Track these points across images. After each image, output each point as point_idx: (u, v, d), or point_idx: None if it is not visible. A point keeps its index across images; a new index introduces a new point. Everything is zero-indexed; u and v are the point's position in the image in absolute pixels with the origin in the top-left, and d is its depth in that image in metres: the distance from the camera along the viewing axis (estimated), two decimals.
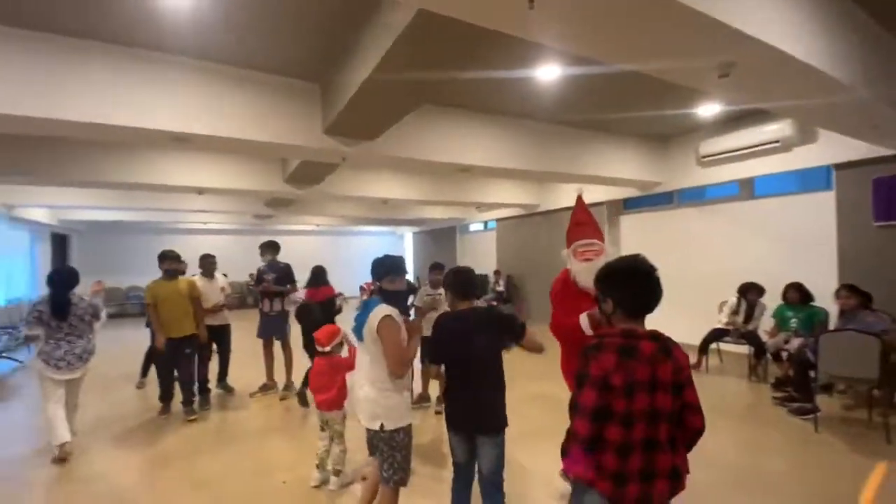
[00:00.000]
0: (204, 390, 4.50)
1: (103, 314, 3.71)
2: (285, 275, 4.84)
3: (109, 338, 6.99)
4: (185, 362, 4.25)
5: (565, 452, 1.37)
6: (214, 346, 4.81)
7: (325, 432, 2.97)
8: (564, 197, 8.67)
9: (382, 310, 2.02)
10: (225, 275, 5.29)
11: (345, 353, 3.02)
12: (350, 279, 11.71)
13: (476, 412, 2.02)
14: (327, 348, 2.93)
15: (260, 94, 4.11)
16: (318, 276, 4.52)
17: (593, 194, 8.07)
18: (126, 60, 3.60)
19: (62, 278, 3.48)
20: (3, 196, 7.22)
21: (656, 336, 1.39)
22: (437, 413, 4.15)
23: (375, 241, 17.03)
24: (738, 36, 2.18)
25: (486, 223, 12.46)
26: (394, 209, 11.25)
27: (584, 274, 2.29)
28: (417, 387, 4.32)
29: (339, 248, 15.72)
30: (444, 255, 13.39)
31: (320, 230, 15.32)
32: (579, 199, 2.80)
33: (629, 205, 8.13)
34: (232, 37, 3.48)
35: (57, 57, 3.38)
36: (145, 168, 6.07)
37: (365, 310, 2.10)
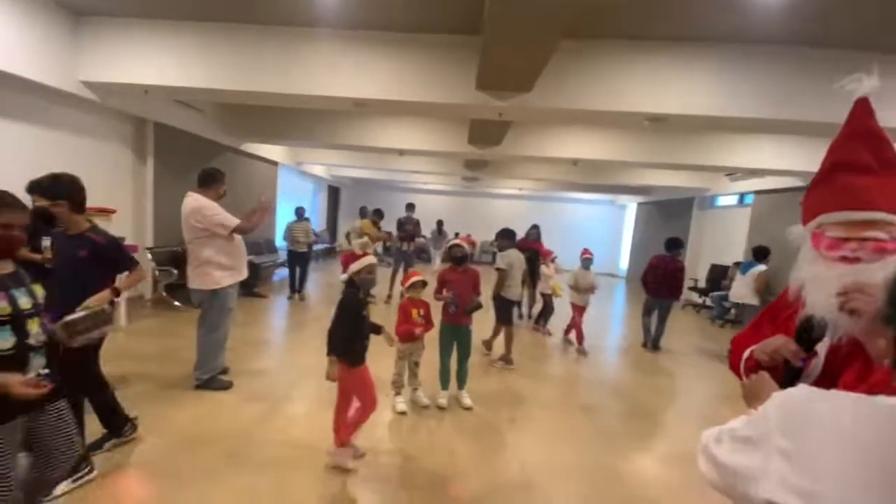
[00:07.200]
0: None
1: None
2: (416, 226, 7.58)
3: None
4: None
5: None
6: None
7: (405, 361, 3.50)
8: None
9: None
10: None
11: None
12: (560, 249, 8.22)
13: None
14: None
15: (419, 55, 4.30)
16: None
17: None
18: (307, 39, 4.32)
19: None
20: (295, 155, 10.16)
21: None
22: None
23: (590, 210, 15.89)
24: None
25: (741, 196, 9.47)
26: (606, 173, 10.08)
27: (828, 286, 0.90)
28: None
29: (547, 215, 15.13)
30: (673, 233, 10.96)
31: (526, 195, 15.19)
32: (860, 105, 1.01)
33: None
34: (397, 3, 3.71)
35: (267, 43, 4.37)
36: (363, 133, 7.33)
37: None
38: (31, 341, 1.52)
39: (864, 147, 0.95)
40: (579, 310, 5.63)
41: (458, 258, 3.64)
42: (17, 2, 3.79)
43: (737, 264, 7.71)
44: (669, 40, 4.05)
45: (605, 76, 4.17)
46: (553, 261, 6.38)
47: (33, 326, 1.53)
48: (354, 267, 2.74)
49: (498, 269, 4.72)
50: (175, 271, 5.65)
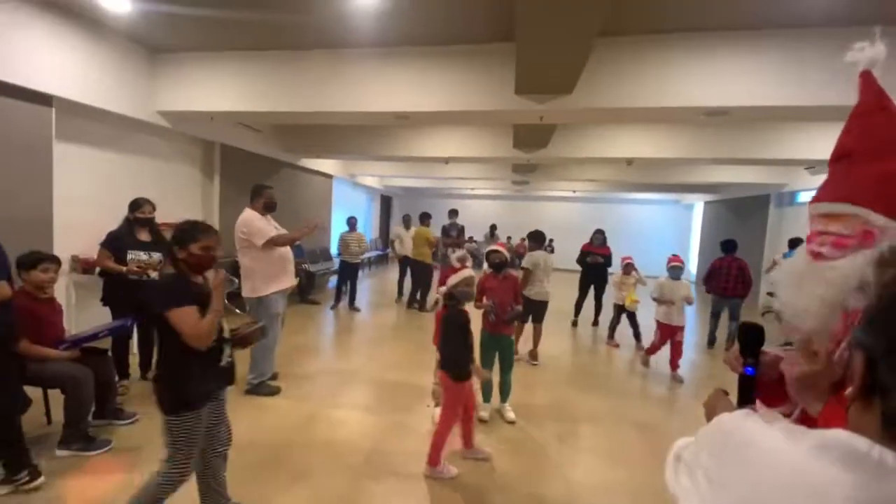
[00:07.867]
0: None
1: None
2: (461, 232, 7.74)
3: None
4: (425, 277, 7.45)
5: None
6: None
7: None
8: None
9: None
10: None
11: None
12: (628, 251, 7.58)
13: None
14: None
15: (455, 65, 4.30)
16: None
17: None
18: (348, 59, 4.48)
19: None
20: (348, 168, 10.56)
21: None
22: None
23: (653, 211, 14.95)
24: None
25: None
26: (666, 172, 9.41)
27: (800, 284, 0.85)
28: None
29: (605, 217, 14.23)
30: (748, 233, 9.88)
31: (581, 196, 14.57)
32: (863, 80, 0.87)
33: None
34: (430, 18, 3.77)
35: (314, 66, 4.59)
36: (409, 144, 7.47)
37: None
38: (225, 335, 1.95)
39: (858, 128, 0.83)
40: (671, 330, 4.69)
41: (497, 265, 3.54)
42: (100, 42, 4.28)
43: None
44: (713, 30, 3.76)
45: (650, 72, 3.93)
46: (629, 268, 5.67)
47: (224, 324, 1.96)
48: (453, 280, 2.76)
49: (523, 269, 4.86)
50: (236, 280, 6.02)
